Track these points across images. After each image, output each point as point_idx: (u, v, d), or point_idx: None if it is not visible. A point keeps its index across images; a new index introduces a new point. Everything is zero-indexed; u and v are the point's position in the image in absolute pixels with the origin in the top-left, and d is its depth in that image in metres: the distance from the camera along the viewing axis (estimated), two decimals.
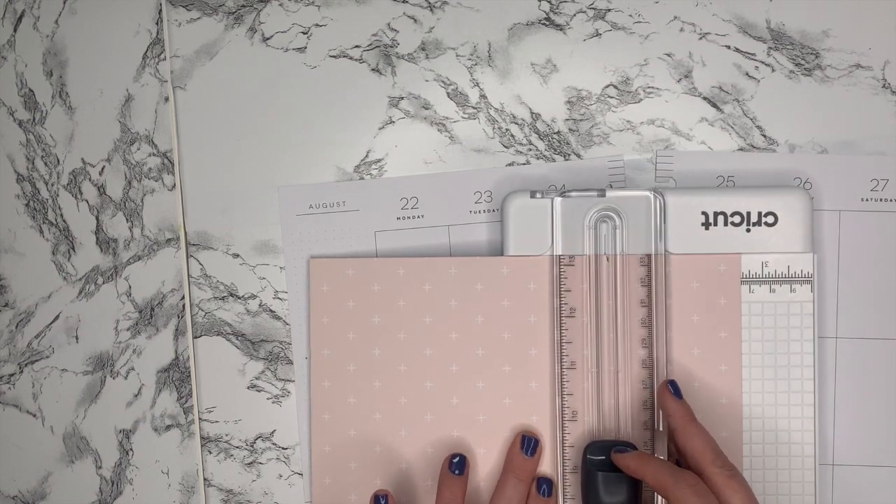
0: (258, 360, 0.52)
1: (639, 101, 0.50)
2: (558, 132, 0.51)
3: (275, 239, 0.52)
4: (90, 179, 0.54)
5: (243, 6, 0.52)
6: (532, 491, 0.47)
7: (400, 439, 0.49)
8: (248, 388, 0.53)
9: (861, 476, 0.49)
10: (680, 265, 0.48)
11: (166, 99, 0.53)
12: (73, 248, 0.54)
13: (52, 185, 0.54)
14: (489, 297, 0.49)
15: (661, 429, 0.47)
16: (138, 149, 0.53)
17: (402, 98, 0.52)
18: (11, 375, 0.54)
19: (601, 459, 0.46)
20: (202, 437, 0.53)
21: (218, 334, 0.53)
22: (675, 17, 0.50)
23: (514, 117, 0.51)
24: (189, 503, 0.53)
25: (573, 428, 0.48)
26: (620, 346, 0.48)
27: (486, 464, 0.49)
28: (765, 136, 0.50)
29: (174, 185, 0.53)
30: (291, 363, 0.52)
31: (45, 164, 0.54)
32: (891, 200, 0.49)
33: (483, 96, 0.51)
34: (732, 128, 0.50)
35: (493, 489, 0.48)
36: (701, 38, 0.50)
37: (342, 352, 0.50)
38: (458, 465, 0.46)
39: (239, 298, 0.53)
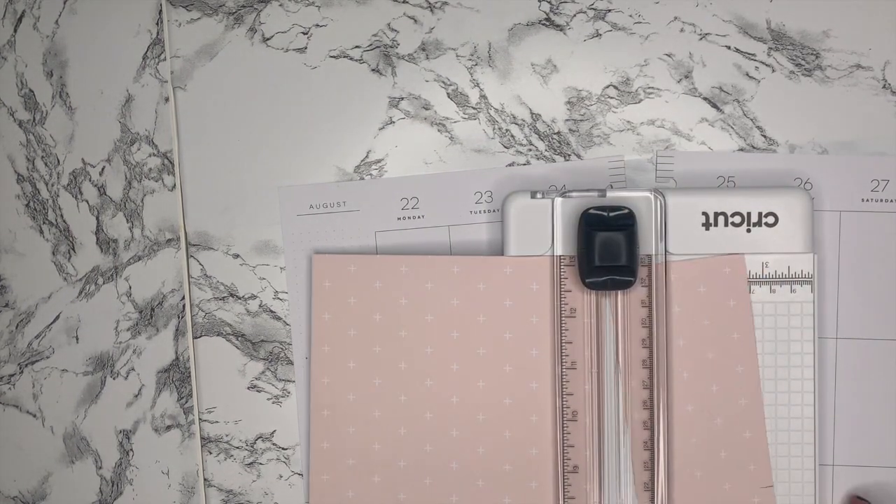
0: (258, 360, 0.52)
1: (639, 102, 0.51)
2: (558, 132, 0.51)
3: (275, 239, 0.52)
4: (90, 180, 0.53)
5: (243, 6, 0.52)
6: None
7: (399, 437, 0.49)
8: (248, 388, 0.53)
9: (861, 476, 0.49)
10: (684, 272, 0.48)
11: (166, 99, 0.53)
12: (74, 249, 0.54)
13: (53, 185, 0.54)
14: (491, 296, 0.49)
15: (659, 428, 0.47)
16: (138, 149, 0.53)
17: (403, 98, 0.52)
18: (11, 376, 0.54)
19: (600, 217, 0.45)
20: (202, 438, 0.53)
21: (218, 335, 0.53)
22: (676, 18, 0.50)
23: (514, 118, 0.51)
24: (189, 503, 0.53)
25: (573, 428, 0.48)
26: (621, 346, 0.48)
27: (485, 464, 0.49)
28: (765, 136, 0.50)
29: (174, 186, 0.53)
30: (291, 364, 0.52)
31: (46, 164, 0.54)
32: (891, 201, 0.49)
33: (483, 97, 0.51)
34: (732, 128, 0.50)
35: (492, 490, 0.48)
36: (701, 39, 0.50)
37: (342, 348, 0.50)
38: None
39: (239, 299, 0.53)
